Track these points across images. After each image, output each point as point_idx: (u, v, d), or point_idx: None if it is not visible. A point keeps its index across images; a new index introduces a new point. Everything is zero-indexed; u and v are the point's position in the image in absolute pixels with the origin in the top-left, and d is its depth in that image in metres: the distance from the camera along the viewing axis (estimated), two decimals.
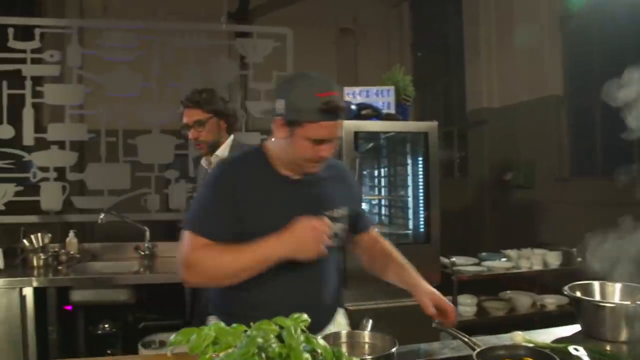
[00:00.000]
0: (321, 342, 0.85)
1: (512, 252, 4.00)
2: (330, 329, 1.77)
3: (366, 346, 1.52)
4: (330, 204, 1.75)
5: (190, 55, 4.38)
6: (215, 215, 1.66)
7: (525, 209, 5.73)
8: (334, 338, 1.51)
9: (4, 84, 4.09)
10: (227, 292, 1.71)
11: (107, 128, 4.22)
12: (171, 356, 0.88)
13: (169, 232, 4.27)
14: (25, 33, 4.22)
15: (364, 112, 3.39)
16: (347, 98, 3.57)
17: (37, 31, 4.12)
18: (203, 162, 2.80)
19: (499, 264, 3.90)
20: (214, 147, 2.66)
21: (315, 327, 1.42)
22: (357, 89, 3.59)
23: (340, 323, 1.87)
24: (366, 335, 1.54)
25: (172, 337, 0.90)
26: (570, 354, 1.57)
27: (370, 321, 1.76)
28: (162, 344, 3.32)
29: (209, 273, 1.62)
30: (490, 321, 3.80)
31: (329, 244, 1.57)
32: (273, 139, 1.70)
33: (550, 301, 3.94)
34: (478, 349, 1.52)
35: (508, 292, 4.08)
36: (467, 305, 3.79)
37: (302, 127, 1.57)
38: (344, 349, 1.50)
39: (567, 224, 4.86)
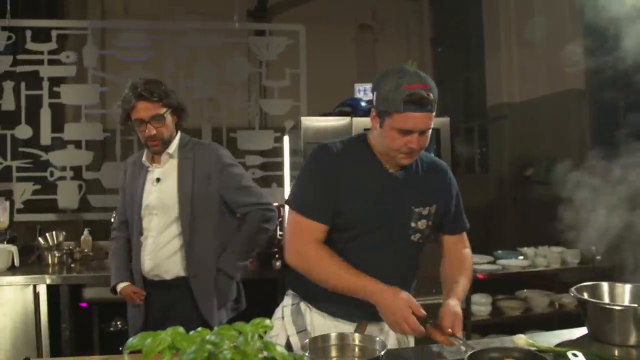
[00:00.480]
0: (280, 349, 0.83)
1: (528, 250, 3.92)
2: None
3: (356, 349, 1.49)
4: (420, 200, 1.82)
5: (204, 54, 4.40)
6: (323, 200, 1.78)
7: (545, 205, 5.61)
8: (322, 340, 1.49)
9: (22, 85, 4.18)
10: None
11: (122, 127, 4.27)
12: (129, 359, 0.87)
13: None
14: (43, 35, 4.30)
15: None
16: (359, 95, 3.55)
17: (54, 33, 4.18)
18: (145, 159, 2.51)
19: (515, 262, 3.83)
20: (167, 144, 2.45)
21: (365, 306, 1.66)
22: (367, 86, 3.56)
23: None
24: (356, 337, 1.51)
25: (129, 340, 0.90)
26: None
27: (367, 324, 1.75)
28: None
29: (311, 270, 1.76)
30: (505, 321, 3.73)
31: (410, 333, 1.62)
32: (372, 131, 1.82)
33: (569, 301, 3.84)
34: (470, 351, 1.48)
35: (524, 291, 3.99)
36: (482, 304, 3.72)
37: (390, 118, 1.67)
38: (333, 351, 1.49)
39: (588, 221, 4.74)
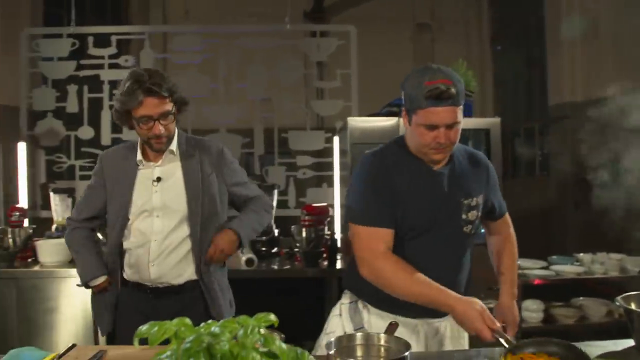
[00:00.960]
0: (279, 343, 0.85)
1: (585, 256, 3.77)
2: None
3: (381, 349, 1.49)
4: (467, 192, 1.87)
5: (257, 56, 4.48)
6: (381, 204, 1.81)
7: (607, 211, 5.38)
8: (347, 339, 1.50)
9: (85, 88, 4.38)
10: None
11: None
12: (139, 348, 0.92)
13: None
14: (104, 40, 4.51)
15: None
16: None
17: (114, 38, 4.37)
18: (139, 160, 2.25)
19: (569, 269, 3.69)
20: (170, 141, 2.23)
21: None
22: None
23: None
24: (381, 337, 1.51)
25: (140, 328, 0.94)
26: None
27: (398, 325, 1.74)
28: None
29: (387, 286, 1.77)
30: (558, 329, 3.59)
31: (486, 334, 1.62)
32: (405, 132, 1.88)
33: None
34: (509, 347, 1.52)
35: (580, 298, 3.84)
36: (533, 311, 3.60)
37: (416, 115, 1.72)
38: (358, 351, 1.49)
39: None
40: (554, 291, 3.80)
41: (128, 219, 2.23)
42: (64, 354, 1.61)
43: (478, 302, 1.65)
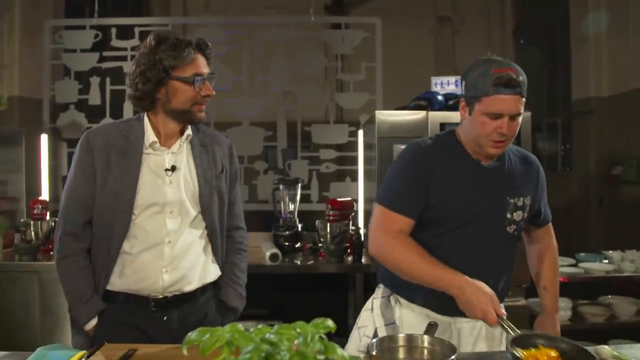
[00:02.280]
0: (340, 351, 0.80)
1: (614, 254, 3.68)
2: None
3: (425, 351, 1.45)
4: (515, 191, 1.83)
5: (280, 48, 4.43)
6: (411, 194, 1.78)
7: (635, 207, 5.28)
8: (389, 341, 1.45)
9: (108, 80, 4.36)
10: None
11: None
12: (188, 354, 0.87)
13: (256, 222, 4.37)
14: (127, 32, 4.49)
15: (451, 102, 3.27)
16: (435, 88, 3.46)
17: (137, 30, 4.35)
18: (153, 142, 1.87)
19: (599, 266, 3.61)
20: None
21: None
22: (446, 78, 3.47)
23: None
24: (425, 339, 1.46)
25: (189, 335, 0.89)
26: None
27: (437, 325, 1.68)
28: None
29: (389, 259, 1.76)
30: (587, 327, 3.53)
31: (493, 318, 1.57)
32: (461, 124, 1.84)
33: None
34: (516, 335, 1.49)
35: (609, 297, 3.76)
36: (562, 309, 3.52)
37: (479, 103, 1.69)
38: (400, 353, 1.45)
39: None
40: (582, 289, 3.74)
41: (132, 216, 1.83)
42: (92, 352, 1.57)
43: (486, 287, 1.61)
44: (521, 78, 1.66)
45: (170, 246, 1.85)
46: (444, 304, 1.72)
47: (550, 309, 1.99)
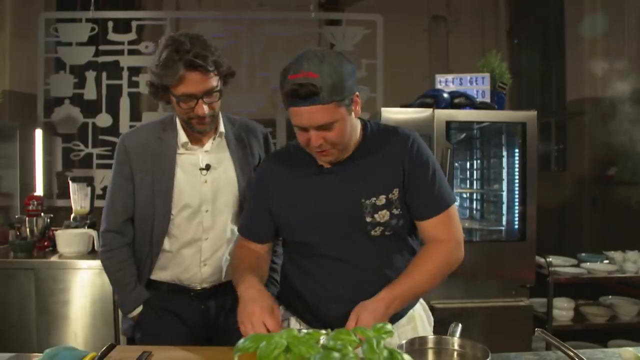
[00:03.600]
0: (407, 357, 0.76)
1: (616, 254, 3.68)
2: (403, 322, 1.68)
3: (455, 354, 1.40)
4: (370, 190, 1.58)
5: (279, 44, 4.38)
6: (253, 216, 1.72)
7: (630, 207, 5.31)
8: (419, 343, 1.41)
9: (104, 75, 4.28)
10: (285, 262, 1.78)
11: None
12: (187, 349, 0.82)
13: None
14: (124, 26, 4.41)
15: (456, 100, 3.24)
16: (439, 86, 3.43)
17: (134, 24, 4.27)
18: (184, 143, 1.90)
19: (601, 267, 3.61)
20: (214, 122, 1.87)
21: (343, 320, 1.43)
22: (450, 77, 3.45)
23: (416, 317, 1.73)
24: (455, 341, 1.40)
25: (240, 341, 0.84)
26: None
27: (460, 326, 1.64)
28: None
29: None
30: (588, 328, 3.53)
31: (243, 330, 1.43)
32: None
33: None
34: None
35: (610, 297, 3.77)
36: (564, 309, 3.53)
37: (289, 113, 1.49)
38: (430, 355, 1.41)
39: None
40: (582, 289, 3.74)
41: (170, 216, 1.87)
42: (103, 355, 1.52)
43: (263, 300, 1.48)
44: (317, 84, 1.39)
45: (208, 242, 1.90)
46: (318, 317, 1.64)
47: (382, 294, 1.50)
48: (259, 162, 1.96)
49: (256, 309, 1.45)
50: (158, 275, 1.95)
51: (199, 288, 1.94)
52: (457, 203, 2.43)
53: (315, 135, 1.46)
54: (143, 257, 1.94)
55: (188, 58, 1.70)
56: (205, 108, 1.76)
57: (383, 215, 1.58)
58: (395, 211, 1.59)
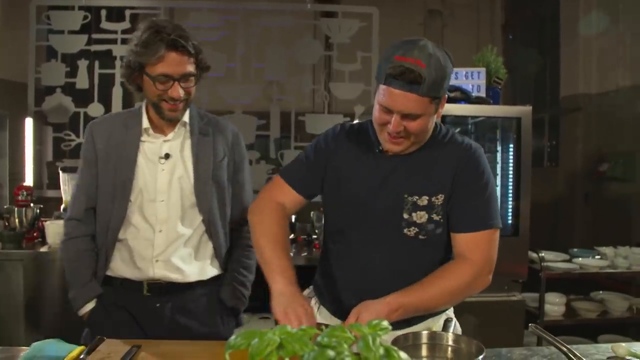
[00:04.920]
0: (404, 355, 0.75)
1: (607, 250, 3.69)
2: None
3: (449, 349, 1.39)
4: (415, 188, 1.57)
5: (275, 36, 4.35)
6: (302, 169, 1.69)
7: (622, 203, 5.33)
8: (413, 338, 1.39)
9: (96, 64, 4.24)
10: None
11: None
12: (177, 343, 0.80)
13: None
14: (117, 14, 4.36)
15: (452, 94, 3.23)
16: None
17: (128, 12, 4.23)
18: (145, 129, 1.88)
19: (592, 262, 3.62)
20: (185, 111, 1.87)
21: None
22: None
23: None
24: (449, 337, 1.40)
25: (232, 338, 0.82)
26: None
27: (455, 321, 1.64)
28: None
29: (253, 229, 1.65)
30: (579, 323, 3.54)
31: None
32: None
33: None
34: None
35: (601, 292, 3.79)
36: (555, 304, 3.54)
37: (378, 89, 1.49)
38: (423, 351, 1.40)
39: None
40: (574, 285, 3.75)
41: (128, 203, 1.84)
42: (92, 348, 1.49)
43: (303, 299, 1.43)
44: (422, 74, 1.39)
45: (162, 236, 1.84)
46: (339, 308, 1.63)
47: (389, 299, 1.44)
48: (223, 159, 1.93)
49: (300, 309, 1.39)
50: (113, 270, 1.89)
51: (153, 283, 1.86)
52: None
53: (398, 121, 1.46)
54: (101, 249, 1.89)
55: (170, 38, 1.71)
56: (181, 91, 1.76)
57: (421, 217, 1.56)
58: (435, 217, 1.57)
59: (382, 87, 1.46)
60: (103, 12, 4.23)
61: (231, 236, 2.03)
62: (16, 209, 3.43)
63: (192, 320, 1.90)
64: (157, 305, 1.87)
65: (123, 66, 1.83)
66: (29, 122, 4.01)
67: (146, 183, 1.84)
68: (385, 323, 0.82)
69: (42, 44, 4.39)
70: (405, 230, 1.57)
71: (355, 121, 1.75)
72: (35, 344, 1.48)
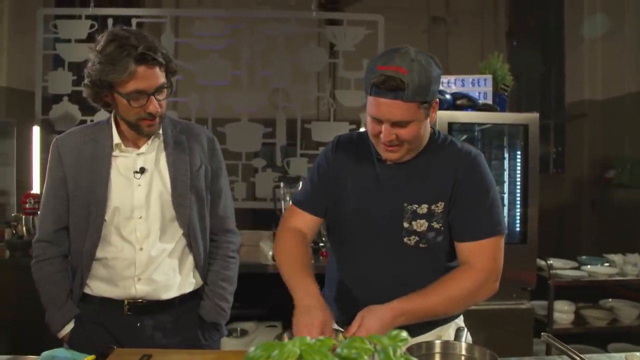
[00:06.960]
0: None
1: (616, 257, 3.67)
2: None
3: (462, 359, 1.38)
4: (414, 196, 1.57)
5: (280, 44, 4.35)
6: (312, 189, 1.71)
7: (629, 210, 5.30)
8: (426, 347, 1.39)
9: None
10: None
11: (197, 116, 4.29)
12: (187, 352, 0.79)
13: (255, 220, 4.29)
14: (124, 23, 4.37)
15: (459, 102, 3.23)
16: (442, 87, 3.41)
17: (134, 21, 4.24)
18: (117, 144, 1.77)
19: (601, 270, 3.59)
20: (161, 124, 1.77)
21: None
22: (452, 78, 3.43)
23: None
24: (462, 346, 1.39)
25: (251, 350, 0.81)
26: None
27: (466, 331, 1.62)
28: (243, 332, 3.36)
29: (276, 253, 1.68)
30: (589, 331, 3.52)
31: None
32: None
33: None
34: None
35: (610, 300, 3.76)
36: (564, 312, 3.52)
37: (367, 100, 1.50)
38: None
39: None
40: (583, 292, 3.72)
41: (104, 222, 1.75)
42: (101, 357, 1.49)
43: (323, 312, 1.41)
44: (405, 80, 1.39)
45: (143, 254, 1.76)
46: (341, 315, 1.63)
47: (393, 304, 1.45)
48: (200, 168, 1.85)
49: (315, 321, 1.39)
50: (91, 289, 1.80)
51: (133, 302, 1.79)
52: None
53: (388, 129, 1.47)
54: (76, 268, 1.80)
55: (138, 52, 1.59)
56: (157, 105, 1.67)
57: (421, 225, 1.56)
58: (435, 225, 1.56)
59: (369, 98, 1.48)
60: (109, 21, 4.23)
61: (210, 246, 1.96)
62: (23, 216, 3.43)
63: (172, 338, 1.83)
64: (138, 324, 1.80)
65: (86, 84, 1.68)
66: (36, 130, 4.01)
67: (122, 200, 1.75)
68: (404, 334, 0.81)
69: (49, 52, 4.40)
70: (406, 239, 1.57)
71: (362, 129, 1.75)
72: (44, 353, 1.48)
